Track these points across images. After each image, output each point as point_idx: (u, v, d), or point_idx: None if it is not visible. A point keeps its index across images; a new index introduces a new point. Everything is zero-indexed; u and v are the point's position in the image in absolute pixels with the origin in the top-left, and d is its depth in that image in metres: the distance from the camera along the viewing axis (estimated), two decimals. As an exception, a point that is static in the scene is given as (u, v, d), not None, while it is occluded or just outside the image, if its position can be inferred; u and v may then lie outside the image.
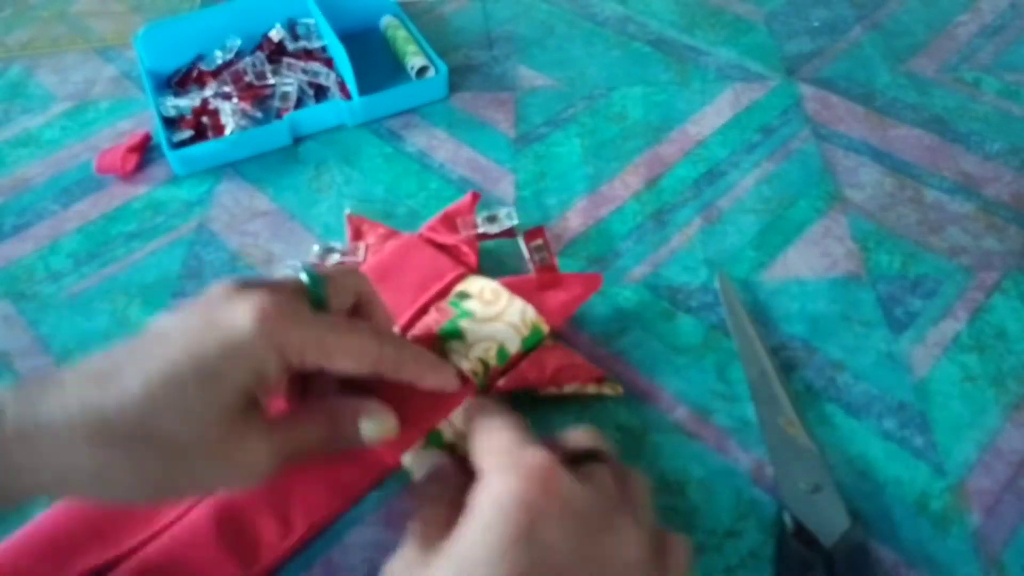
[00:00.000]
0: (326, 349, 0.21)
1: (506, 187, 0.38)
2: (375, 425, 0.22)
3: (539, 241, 0.32)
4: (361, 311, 0.24)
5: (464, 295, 0.29)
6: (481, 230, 0.33)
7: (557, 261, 0.32)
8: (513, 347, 0.28)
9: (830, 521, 0.25)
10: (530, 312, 0.28)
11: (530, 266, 0.32)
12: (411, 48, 0.44)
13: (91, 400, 0.18)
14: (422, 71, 0.43)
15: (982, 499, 0.26)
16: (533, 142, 0.40)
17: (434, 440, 0.26)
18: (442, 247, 0.32)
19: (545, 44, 0.47)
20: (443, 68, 0.42)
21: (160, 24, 0.44)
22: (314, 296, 0.22)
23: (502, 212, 0.34)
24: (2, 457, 0.18)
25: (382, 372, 0.22)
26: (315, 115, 0.41)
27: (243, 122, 0.41)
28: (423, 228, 0.33)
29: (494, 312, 0.28)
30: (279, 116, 0.41)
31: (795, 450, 0.27)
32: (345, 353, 0.21)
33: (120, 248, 0.36)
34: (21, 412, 0.18)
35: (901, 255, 0.34)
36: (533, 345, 0.28)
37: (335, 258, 0.33)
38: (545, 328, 0.29)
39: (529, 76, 0.45)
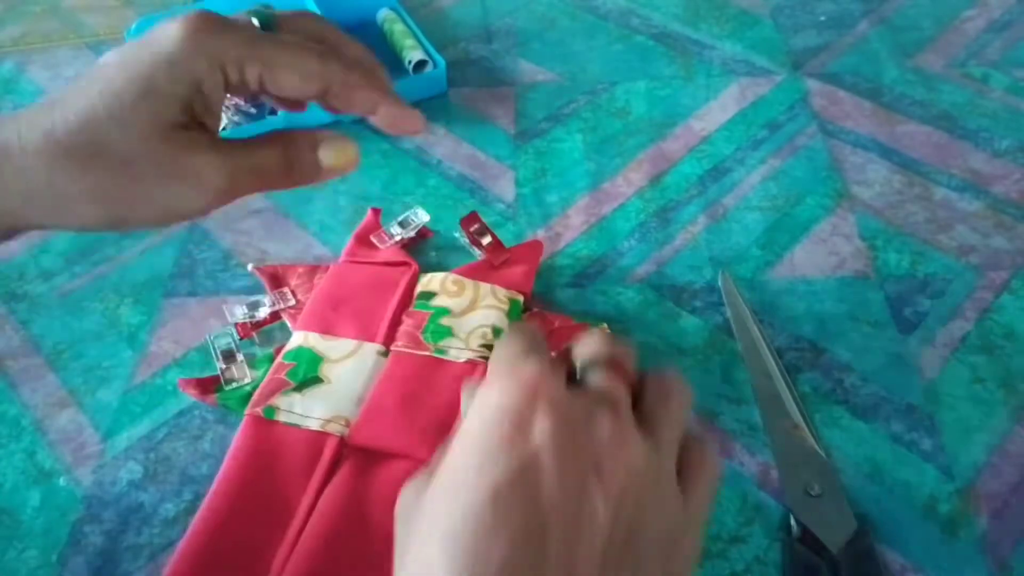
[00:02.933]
0: (267, 61, 0.20)
1: (506, 184, 0.37)
2: (335, 152, 0.22)
3: (477, 225, 0.33)
4: None
5: (428, 295, 0.30)
6: (398, 237, 0.33)
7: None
8: (502, 323, 0.29)
9: (837, 525, 0.24)
10: (499, 289, 0.30)
11: (475, 251, 0.33)
12: (409, 42, 0.43)
13: (40, 122, 0.19)
14: (420, 65, 0.42)
15: (990, 502, 0.25)
16: (534, 138, 0.40)
17: None
18: (375, 264, 0.32)
19: (546, 38, 0.46)
20: (441, 62, 0.42)
21: (153, 18, 0.43)
22: (255, 21, 0.21)
23: (410, 213, 0.34)
24: None
25: (330, 95, 0.21)
26: (309, 110, 0.40)
27: (236, 118, 0.40)
28: (343, 258, 0.33)
29: (468, 302, 0.30)
30: (273, 112, 0.41)
31: (801, 453, 0.26)
32: (287, 66, 0.20)
33: (112, 247, 0.35)
34: None
35: (910, 254, 0.33)
36: (518, 315, 0.30)
37: (263, 311, 0.31)
38: (519, 296, 0.30)
39: (529, 70, 0.44)
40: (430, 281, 0.31)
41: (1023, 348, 0.30)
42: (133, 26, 0.43)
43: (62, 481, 0.27)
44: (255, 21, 0.21)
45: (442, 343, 0.28)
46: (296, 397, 0.27)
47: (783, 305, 0.32)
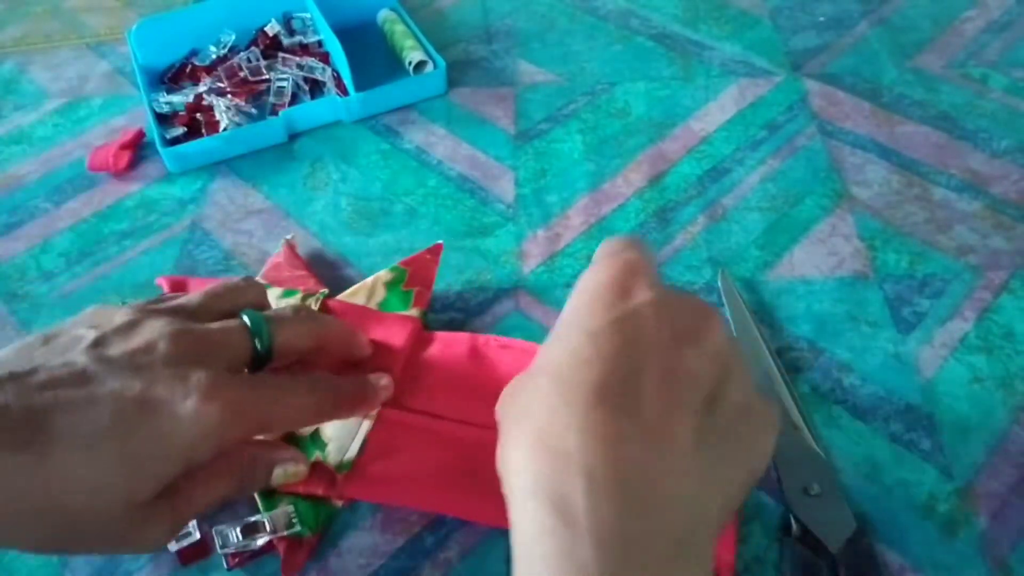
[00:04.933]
0: (265, 424, 0.21)
1: (506, 185, 0.38)
2: (286, 472, 0.23)
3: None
4: (311, 354, 0.24)
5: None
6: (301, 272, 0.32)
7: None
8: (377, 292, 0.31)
9: (836, 525, 0.24)
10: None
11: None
12: (409, 42, 0.44)
13: (18, 474, 0.17)
14: (420, 66, 0.43)
15: (989, 502, 0.26)
16: (533, 139, 0.40)
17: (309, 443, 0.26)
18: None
19: (546, 38, 0.46)
20: (441, 63, 0.42)
21: (154, 19, 0.44)
22: (257, 345, 0.22)
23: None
24: None
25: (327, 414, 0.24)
26: (311, 111, 0.41)
27: (237, 118, 0.40)
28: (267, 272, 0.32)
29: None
30: (274, 112, 0.41)
31: (800, 453, 0.26)
32: (284, 421, 0.22)
33: (113, 247, 0.36)
34: None
35: (908, 254, 0.33)
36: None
37: (263, 534, 0.25)
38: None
39: (529, 71, 0.44)
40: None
41: (1022, 348, 0.30)
42: (134, 27, 0.43)
43: (62, 481, 0.27)
44: (248, 325, 0.22)
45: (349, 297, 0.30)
46: (330, 432, 0.25)
47: (782, 305, 0.32)
